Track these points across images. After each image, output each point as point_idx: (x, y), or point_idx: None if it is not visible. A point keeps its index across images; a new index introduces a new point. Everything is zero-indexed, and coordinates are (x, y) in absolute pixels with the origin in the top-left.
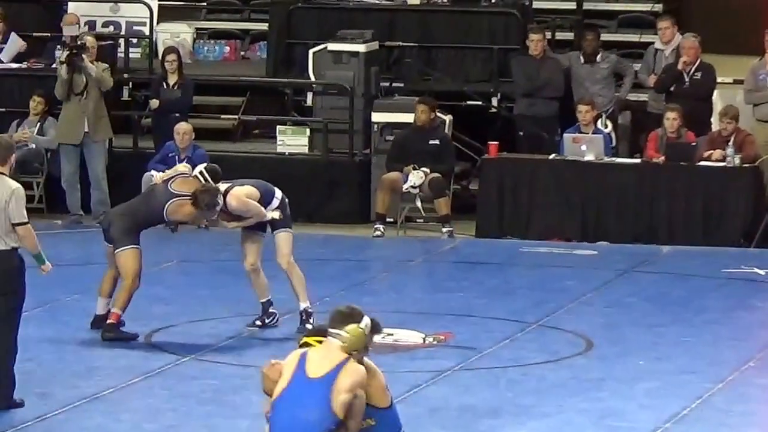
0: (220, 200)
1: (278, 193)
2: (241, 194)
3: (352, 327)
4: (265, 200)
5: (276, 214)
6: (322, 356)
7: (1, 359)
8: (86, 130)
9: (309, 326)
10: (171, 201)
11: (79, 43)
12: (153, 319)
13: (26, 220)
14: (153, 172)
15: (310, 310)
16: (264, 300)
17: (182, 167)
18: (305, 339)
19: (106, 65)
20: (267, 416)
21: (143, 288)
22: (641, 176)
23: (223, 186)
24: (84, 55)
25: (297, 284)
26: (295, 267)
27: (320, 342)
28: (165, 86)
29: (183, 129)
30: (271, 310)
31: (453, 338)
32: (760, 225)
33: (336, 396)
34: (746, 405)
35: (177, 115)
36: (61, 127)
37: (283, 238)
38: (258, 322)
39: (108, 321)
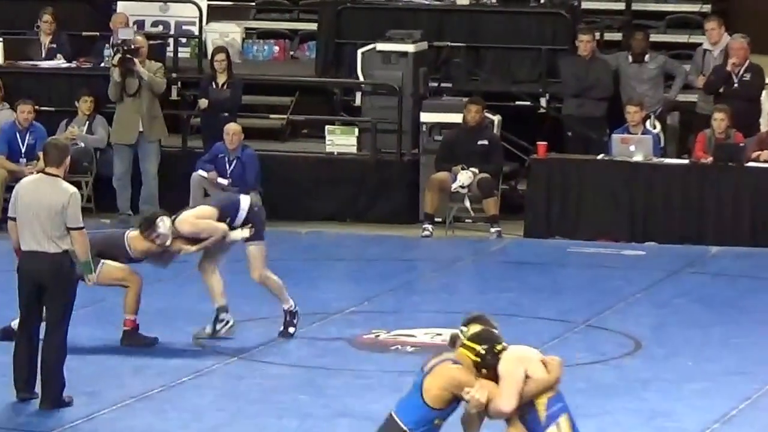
0: (163, 223)
1: (245, 204)
2: (189, 217)
3: None
4: (228, 215)
5: (239, 235)
6: None
7: (51, 360)
8: (141, 129)
9: (295, 323)
10: (127, 232)
11: (133, 47)
12: (202, 318)
13: (82, 225)
14: (201, 172)
15: (293, 309)
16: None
17: None
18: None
19: (160, 64)
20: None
21: (191, 286)
22: (689, 177)
23: (174, 215)
24: (136, 59)
25: (276, 291)
26: (270, 277)
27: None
28: (214, 86)
29: (233, 130)
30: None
31: None
32: None
33: None
34: None
35: (226, 114)
36: (116, 128)
37: (254, 251)
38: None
39: (124, 329)
